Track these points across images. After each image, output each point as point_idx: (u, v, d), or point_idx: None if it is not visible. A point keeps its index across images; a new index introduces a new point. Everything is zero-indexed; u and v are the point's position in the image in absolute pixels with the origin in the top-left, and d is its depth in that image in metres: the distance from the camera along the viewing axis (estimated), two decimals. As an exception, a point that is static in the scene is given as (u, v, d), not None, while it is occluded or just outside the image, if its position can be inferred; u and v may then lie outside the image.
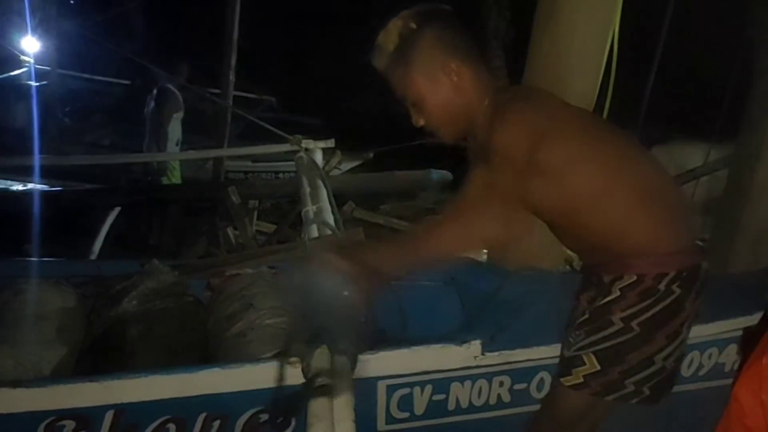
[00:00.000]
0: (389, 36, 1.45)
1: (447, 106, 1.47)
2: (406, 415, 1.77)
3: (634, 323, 1.50)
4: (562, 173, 1.47)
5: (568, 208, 1.52)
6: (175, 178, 5.57)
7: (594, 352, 1.53)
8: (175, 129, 5.45)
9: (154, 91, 5.43)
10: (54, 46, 7.88)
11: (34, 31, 7.53)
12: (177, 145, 5.50)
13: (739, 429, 1.18)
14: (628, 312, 1.51)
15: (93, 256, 4.30)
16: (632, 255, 1.51)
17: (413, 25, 1.43)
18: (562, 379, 1.58)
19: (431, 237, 1.50)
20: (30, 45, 7.70)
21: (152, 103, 5.52)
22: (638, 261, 1.51)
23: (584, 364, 1.54)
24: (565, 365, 1.59)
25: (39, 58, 7.79)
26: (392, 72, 1.46)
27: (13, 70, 7.56)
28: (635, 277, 1.50)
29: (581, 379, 1.54)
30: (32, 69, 7.40)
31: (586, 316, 1.58)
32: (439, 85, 1.45)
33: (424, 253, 1.50)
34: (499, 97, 1.49)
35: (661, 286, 1.49)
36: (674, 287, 1.50)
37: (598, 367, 1.52)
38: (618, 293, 1.52)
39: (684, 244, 1.53)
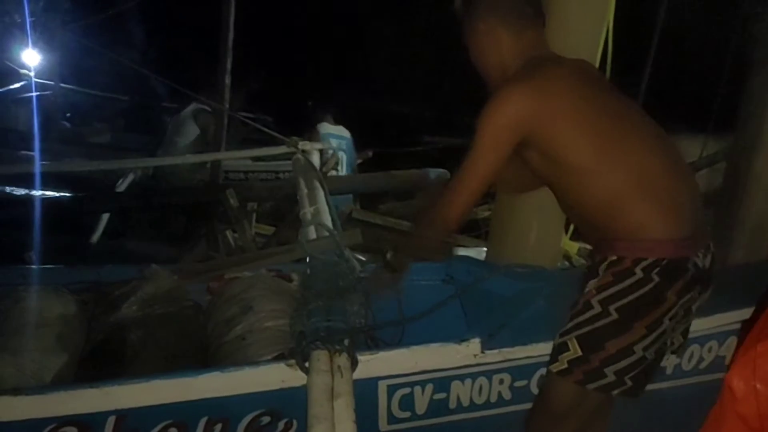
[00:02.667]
0: None
1: (482, 57, 1.69)
2: (408, 414, 1.77)
3: (611, 308, 1.52)
4: (550, 150, 1.56)
5: (560, 181, 1.62)
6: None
7: (576, 337, 1.56)
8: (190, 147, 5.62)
9: (190, 107, 5.59)
10: (57, 60, 8.03)
11: (35, 44, 7.64)
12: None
13: (731, 416, 1.17)
14: (605, 294, 1.53)
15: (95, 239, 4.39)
16: (619, 237, 1.54)
17: None
18: (550, 366, 1.61)
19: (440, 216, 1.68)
20: (31, 58, 7.85)
21: (180, 117, 5.67)
22: (622, 243, 1.54)
23: (569, 349, 1.57)
24: (554, 352, 1.61)
25: (42, 71, 7.95)
26: (460, 16, 1.72)
27: (16, 82, 7.68)
28: (615, 257, 1.54)
29: (566, 365, 1.57)
30: (32, 83, 7.52)
31: (577, 299, 1.60)
32: (479, 38, 1.68)
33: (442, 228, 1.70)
34: (523, 66, 1.63)
35: (638, 270, 1.51)
36: (653, 275, 1.50)
37: (580, 353, 1.55)
38: (599, 273, 1.56)
39: (675, 234, 1.52)
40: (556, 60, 1.66)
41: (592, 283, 1.57)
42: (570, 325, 1.58)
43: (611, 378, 1.54)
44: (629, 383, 1.55)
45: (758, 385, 1.13)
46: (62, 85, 8.16)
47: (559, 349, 1.59)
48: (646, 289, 1.50)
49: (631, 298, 1.51)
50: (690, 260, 1.53)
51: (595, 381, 1.55)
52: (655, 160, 1.57)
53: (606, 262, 1.56)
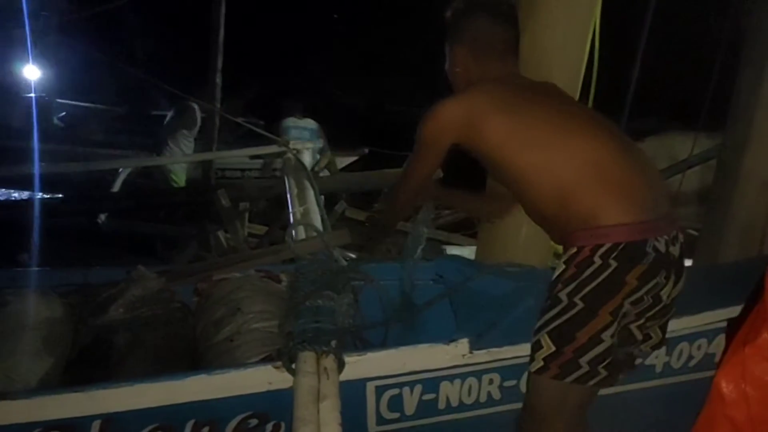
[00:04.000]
0: (450, 8, 1.88)
1: (452, 71, 1.89)
2: (397, 415, 1.77)
3: (576, 298, 1.55)
4: (486, 150, 1.70)
5: (511, 183, 1.72)
6: (179, 185, 5.74)
7: (548, 333, 1.58)
8: (182, 144, 5.71)
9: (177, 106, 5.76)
10: (53, 74, 8.14)
11: (35, 59, 7.73)
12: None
13: (722, 420, 1.17)
14: (570, 286, 1.56)
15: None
16: (576, 228, 1.57)
17: (461, 6, 1.86)
18: (529, 367, 1.62)
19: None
20: (32, 73, 7.95)
21: (169, 115, 5.81)
22: (580, 233, 1.57)
23: (542, 346, 1.59)
24: (531, 352, 1.63)
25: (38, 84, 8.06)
26: (448, 26, 1.89)
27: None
28: (575, 249, 1.57)
29: (542, 363, 1.59)
30: (34, 100, 7.63)
31: (546, 296, 1.63)
32: (454, 57, 1.88)
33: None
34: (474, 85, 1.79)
35: (596, 258, 1.54)
36: (610, 260, 1.53)
37: (553, 348, 1.57)
38: (563, 267, 1.59)
39: (630, 219, 1.55)
40: (508, 81, 1.80)
41: (558, 278, 1.61)
42: (541, 322, 1.61)
43: (585, 368, 1.56)
44: (603, 372, 1.57)
45: (748, 389, 1.12)
46: (59, 100, 8.28)
47: (535, 348, 1.61)
48: (606, 274, 1.53)
49: (593, 285, 1.54)
50: (648, 243, 1.54)
51: (571, 373, 1.57)
52: (603, 150, 1.62)
53: (568, 255, 1.60)
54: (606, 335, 1.55)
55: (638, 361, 1.74)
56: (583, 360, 1.56)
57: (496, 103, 1.70)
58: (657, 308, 1.62)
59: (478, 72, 1.82)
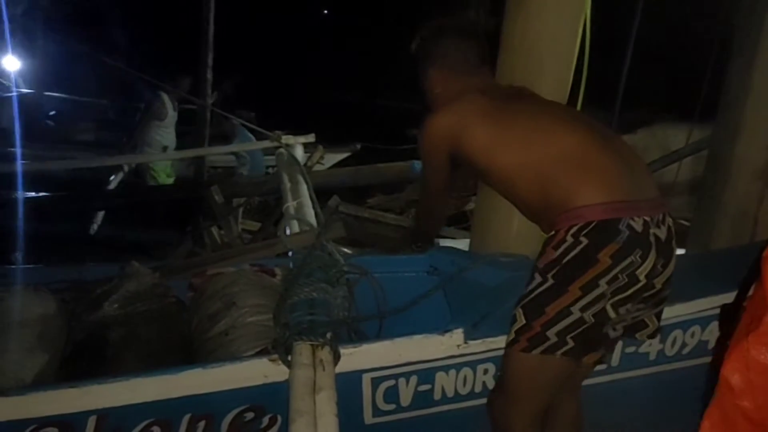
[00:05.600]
0: (415, 35, 2.04)
1: (431, 92, 2.01)
2: (393, 406, 1.77)
3: (549, 275, 1.61)
4: (474, 158, 1.81)
5: (496, 184, 1.84)
6: (163, 180, 5.66)
7: (521, 307, 1.64)
8: (157, 135, 5.63)
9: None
10: (39, 67, 8.08)
11: (15, 48, 7.68)
12: (164, 151, 5.64)
13: (734, 411, 1.17)
14: (543, 265, 1.63)
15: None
16: (556, 214, 1.64)
17: (426, 34, 2.02)
18: (506, 342, 1.68)
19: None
20: (12, 64, 7.89)
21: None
22: (558, 218, 1.63)
23: (516, 320, 1.65)
24: (509, 327, 1.67)
25: (23, 76, 7.98)
26: (416, 54, 2.03)
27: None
28: (553, 232, 1.64)
29: (514, 335, 1.65)
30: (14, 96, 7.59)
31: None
32: (428, 79, 2.01)
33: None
34: (452, 99, 1.90)
35: (568, 237, 1.59)
36: (581, 237, 1.57)
37: (524, 321, 1.63)
38: (543, 251, 1.66)
39: (603, 199, 1.59)
40: (486, 90, 1.91)
41: (536, 260, 1.67)
42: (519, 299, 1.67)
43: (553, 339, 1.60)
44: (571, 343, 1.60)
45: (753, 377, 1.13)
46: (46, 93, 8.21)
47: (511, 322, 1.67)
48: (576, 251, 1.58)
49: (563, 261, 1.59)
50: (622, 221, 1.57)
51: (538, 345, 1.61)
52: (578, 141, 1.69)
53: (546, 238, 1.68)
54: (575, 308, 1.59)
55: (616, 338, 1.74)
56: (551, 332, 1.60)
57: (477, 111, 1.81)
58: (634, 288, 1.61)
59: (456, 88, 1.92)
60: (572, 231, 1.59)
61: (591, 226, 1.57)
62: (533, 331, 1.61)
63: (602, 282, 1.57)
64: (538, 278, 1.63)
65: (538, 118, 1.80)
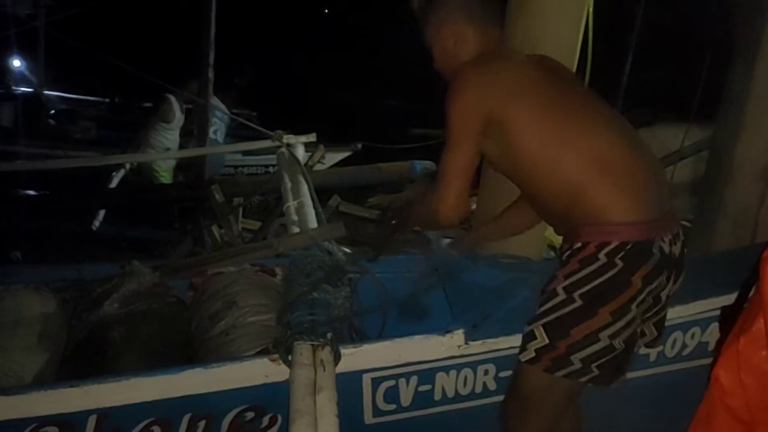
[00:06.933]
0: None
1: (448, 59, 1.71)
2: (393, 407, 1.77)
3: (575, 294, 1.51)
4: (505, 137, 1.58)
5: (519, 172, 1.64)
6: (167, 180, 5.67)
7: (543, 325, 1.56)
8: (161, 137, 5.64)
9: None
10: (41, 65, 8.10)
11: (19, 49, 7.71)
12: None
13: (721, 410, 1.18)
14: (570, 281, 1.52)
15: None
16: (582, 223, 1.54)
17: None
18: (520, 356, 1.60)
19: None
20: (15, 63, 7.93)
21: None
22: (586, 229, 1.53)
23: (536, 337, 1.56)
24: (523, 341, 1.61)
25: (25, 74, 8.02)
26: (419, 16, 1.73)
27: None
28: (580, 244, 1.53)
29: (534, 354, 1.57)
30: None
31: (544, 288, 1.60)
32: (444, 41, 1.70)
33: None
34: (478, 56, 1.66)
35: (601, 256, 1.50)
36: (616, 259, 1.49)
37: (547, 341, 1.54)
38: (565, 260, 1.56)
39: (639, 217, 1.51)
40: (514, 54, 1.71)
41: (559, 272, 1.57)
42: (537, 313, 1.58)
43: (578, 365, 1.54)
44: (596, 371, 1.54)
45: (745, 378, 1.14)
46: (47, 92, 8.23)
47: (528, 338, 1.59)
48: (610, 274, 1.49)
49: (595, 283, 1.50)
50: (655, 243, 1.51)
51: (562, 368, 1.55)
52: (615, 145, 1.57)
53: (571, 250, 1.56)
54: (603, 335, 1.51)
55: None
56: (576, 357, 1.53)
57: (512, 86, 1.59)
58: (655, 309, 1.60)
59: (479, 47, 1.68)
60: (606, 250, 1.49)
61: (627, 248, 1.49)
62: (557, 351, 1.54)
63: (633, 306, 1.51)
64: (561, 295, 1.53)
65: (572, 107, 1.61)
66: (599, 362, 1.54)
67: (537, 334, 1.56)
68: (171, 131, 5.74)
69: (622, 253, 1.49)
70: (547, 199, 1.63)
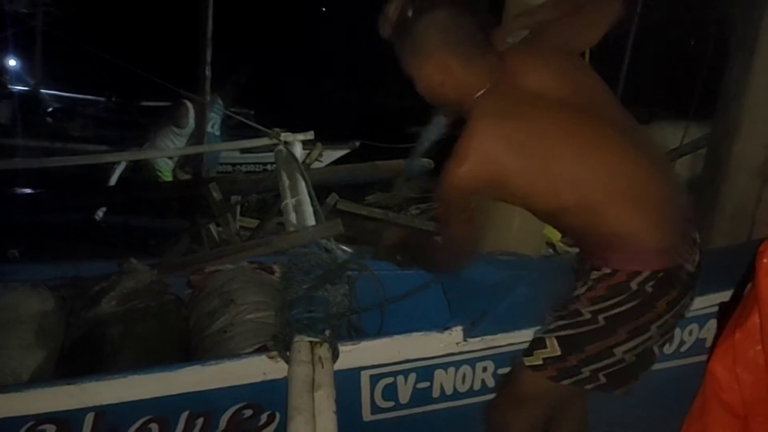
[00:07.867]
0: (389, 13, 1.51)
1: (435, 91, 1.54)
2: (391, 404, 1.77)
3: (600, 317, 1.50)
4: (515, 199, 1.56)
5: (544, 212, 1.57)
6: (167, 178, 5.68)
7: (557, 337, 1.54)
8: (170, 141, 5.65)
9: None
10: (37, 63, 8.09)
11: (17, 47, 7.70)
12: (171, 158, 5.65)
13: (715, 404, 1.19)
14: (597, 306, 1.50)
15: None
16: (612, 249, 1.49)
17: (409, 11, 1.49)
18: (524, 358, 1.59)
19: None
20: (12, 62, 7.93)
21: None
22: (616, 255, 1.49)
23: (546, 347, 1.55)
24: (531, 345, 1.60)
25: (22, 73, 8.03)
26: (394, 45, 1.54)
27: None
28: (609, 271, 1.50)
29: (540, 362, 1.56)
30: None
31: (563, 301, 1.58)
32: (427, 74, 1.51)
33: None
34: (483, 101, 1.49)
35: (633, 285, 1.47)
36: (647, 287, 1.47)
37: (559, 353, 1.53)
38: (591, 284, 1.53)
39: (667, 243, 1.47)
40: (507, 84, 1.50)
41: (583, 293, 1.54)
42: (553, 324, 1.56)
43: (586, 374, 1.54)
44: (603, 380, 1.54)
45: (740, 372, 1.14)
46: (42, 91, 8.24)
47: (536, 345, 1.57)
48: (638, 301, 1.48)
49: (622, 309, 1.49)
50: (684, 269, 1.50)
51: (569, 377, 1.55)
52: (632, 164, 1.48)
53: (599, 274, 1.52)
54: (618, 350, 1.51)
55: None
56: (587, 369, 1.53)
57: (509, 142, 1.45)
58: (674, 324, 1.58)
59: (469, 77, 1.49)
60: (638, 279, 1.46)
61: (659, 277, 1.46)
62: (567, 363, 1.53)
63: (653, 326, 1.51)
64: (586, 316, 1.51)
65: (595, 127, 1.48)
66: (607, 372, 1.54)
67: (548, 344, 1.55)
68: (180, 137, 5.75)
69: (652, 282, 1.47)
70: (575, 229, 1.58)
